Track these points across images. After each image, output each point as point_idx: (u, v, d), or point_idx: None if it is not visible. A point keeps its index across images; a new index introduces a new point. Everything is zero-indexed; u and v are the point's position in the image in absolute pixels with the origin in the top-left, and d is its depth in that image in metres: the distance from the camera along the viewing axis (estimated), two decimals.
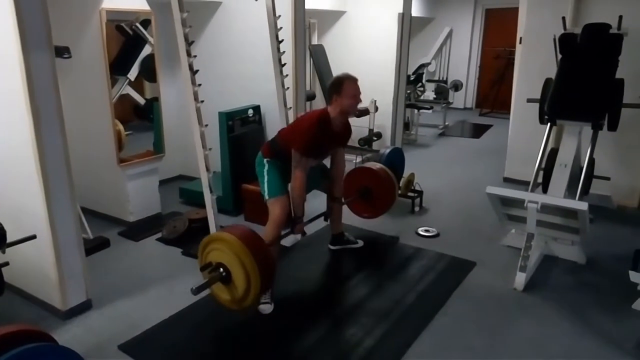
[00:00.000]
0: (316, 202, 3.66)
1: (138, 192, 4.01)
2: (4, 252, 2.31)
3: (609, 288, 3.06)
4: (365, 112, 5.80)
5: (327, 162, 3.28)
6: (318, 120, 2.85)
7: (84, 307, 2.79)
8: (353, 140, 5.86)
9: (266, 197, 2.90)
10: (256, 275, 2.34)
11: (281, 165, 2.91)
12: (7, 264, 2.36)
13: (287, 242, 3.55)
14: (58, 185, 2.56)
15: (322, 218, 3.36)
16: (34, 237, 2.44)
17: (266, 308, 2.77)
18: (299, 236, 3.67)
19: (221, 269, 2.44)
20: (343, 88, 2.84)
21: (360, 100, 2.95)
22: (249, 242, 2.38)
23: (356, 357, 2.39)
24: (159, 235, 3.80)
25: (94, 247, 3.49)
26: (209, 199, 2.99)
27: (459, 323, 2.70)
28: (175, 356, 2.44)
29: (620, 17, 3.60)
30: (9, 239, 2.33)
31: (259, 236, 2.51)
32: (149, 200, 4.13)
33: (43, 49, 2.40)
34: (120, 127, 3.85)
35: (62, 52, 3.07)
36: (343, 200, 3.46)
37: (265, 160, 2.97)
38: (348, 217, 3.74)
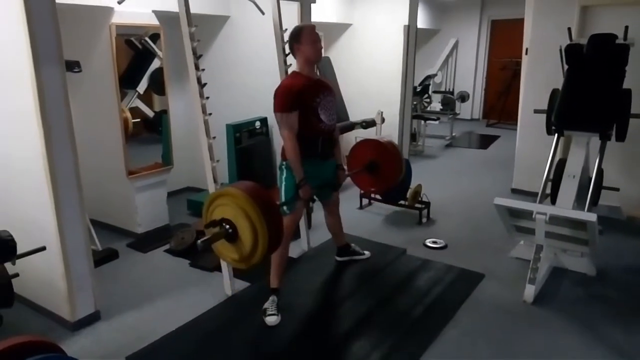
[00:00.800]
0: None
1: (146, 204, 4.04)
2: (14, 264, 2.33)
3: (620, 300, 3.03)
4: (371, 123, 5.81)
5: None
6: (286, 77, 2.86)
7: (93, 319, 2.80)
8: None
9: (285, 211, 2.83)
10: (263, 228, 2.18)
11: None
12: (17, 275, 2.38)
13: (294, 253, 3.55)
14: (68, 198, 2.59)
15: (323, 218, 3.31)
16: (43, 248, 2.46)
17: (273, 320, 2.75)
18: (305, 247, 3.70)
19: (227, 225, 2.26)
20: (302, 35, 2.80)
21: (321, 47, 2.88)
22: (254, 195, 2.22)
23: None
24: (167, 246, 3.81)
25: (102, 258, 3.51)
26: None
27: (468, 336, 2.67)
28: None
29: (627, 27, 3.61)
30: (19, 251, 2.35)
31: (265, 190, 2.35)
32: (157, 212, 4.16)
33: (54, 63, 2.44)
34: (128, 114, 3.88)
35: (72, 66, 3.12)
36: (347, 171, 3.36)
37: (283, 164, 2.91)
38: (355, 228, 3.73)
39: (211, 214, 2.37)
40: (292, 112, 2.72)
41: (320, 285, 3.30)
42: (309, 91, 2.81)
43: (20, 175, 2.71)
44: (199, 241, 2.22)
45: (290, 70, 3.15)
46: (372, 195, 4.72)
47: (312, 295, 3.15)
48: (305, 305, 3.02)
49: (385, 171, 3.50)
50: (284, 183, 2.89)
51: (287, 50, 3.61)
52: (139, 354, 2.50)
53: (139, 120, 4.03)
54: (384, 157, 3.50)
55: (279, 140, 3.88)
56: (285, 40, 3.60)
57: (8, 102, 2.62)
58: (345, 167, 3.38)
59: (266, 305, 2.81)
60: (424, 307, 2.94)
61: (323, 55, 6.36)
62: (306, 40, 2.80)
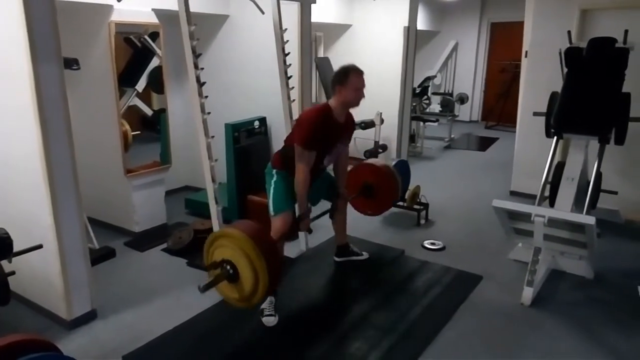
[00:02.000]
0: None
1: (144, 203, 4.03)
2: (10, 262, 2.32)
3: (618, 303, 3.02)
4: (370, 124, 5.81)
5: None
6: (319, 112, 2.82)
7: (89, 317, 2.79)
8: (359, 152, 5.95)
9: (271, 212, 2.86)
10: (264, 270, 2.24)
11: (290, 179, 2.85)
12: (13, 273, 2.37)
13: (292, 253, 3.54)
14: (65, 196, 2.57)
15: (328, 216, 3.32)
16: (40, 246, 2.45)
17: (270, 320, 2.75)
18: (304, 247, 3.69)
19: (228, 266, 2.33)
20: (348, 79, 2.79)
21: (363, 95, 2.88)
22: (255, 236, 2.29)
23: None
24: (165, 245, 3.80)
25: (99, 257, 3.50)
26: (214, 209, 2.99)
27: (466, 338, 2.67)
28: None
29: (626, 31, 3.61)
30: (16, 248, 2.34)
31: (266, 230, 2.43)
32: (154, 211, 4.14)
33: (52, 60, 2.43)
34: (127, 127, 3.87)
35: (71, 63, 3.11)
36: (347, 197, 3.41)
37: (274, 170, 2.93)
38: (354, 229, 3.73)
39: (212, 254, 2.42)
40: (312, 151, 2.77)
41: (318, 286, 3.30)
42: (329, 139, 2.89)
43: (17, 173, 2.69)
44: (200, 285, 2.29)
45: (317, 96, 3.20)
46: None
47: (309, 296, 3.15)
48: (302, 306, 3.02)
49: (381, 195, 3.63)
50: (272, 187, 2.91)
51: (287, 50, 3.63)
52: (135, 353, 2.49)
53: (139, 132, 4.04)
54: (379, 181, 3.61)
55: (277, 139, 3.89)
56: (285, 40, 3.60)
57: (5, 99, 2.61)
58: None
59: (264, 305, 2.80)
60: (422, 309, 2.94)
61: (323, 55, 6.38)
62: (351, 86, 2.80)
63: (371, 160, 3.81)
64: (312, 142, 2.75)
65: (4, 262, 2.31)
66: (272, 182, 2.92)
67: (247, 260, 2.26)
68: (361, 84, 2.83)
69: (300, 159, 2.75)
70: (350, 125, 3.08)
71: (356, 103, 2.88)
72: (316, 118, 2.78)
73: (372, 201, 3.69)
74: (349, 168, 3.47)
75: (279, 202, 2.87)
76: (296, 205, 2.90)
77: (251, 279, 2.29)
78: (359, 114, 5.92)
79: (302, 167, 2.75)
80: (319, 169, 2.95)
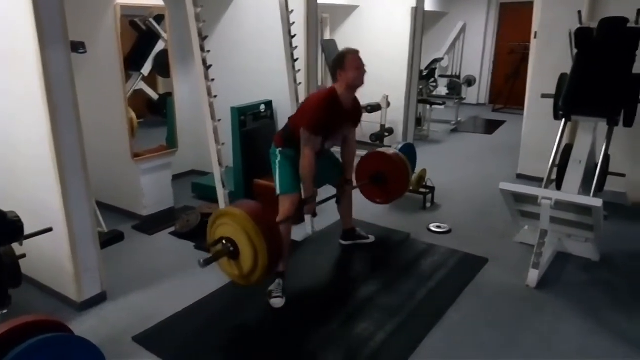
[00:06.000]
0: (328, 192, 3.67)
1: (151, 187, 4.05)
2: (21, 245, 2.35)
3: (624, 286, 3.03)
4: (377, 107, 5.78)
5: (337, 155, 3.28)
6: (326, 96, 2.83)
7: (99, 299, 2.84)
8: (365, 136, 5.93)
9: (278, 191, 2.90)
10: (263, 250, 2.28)
11: (294, 155, 2.87)
12: (24, 256, 2.41)
13: (298, 236, 3.57)
14: (74, 180, 2.60)
15: (334, 200, 3.34)
16: (50, 229, 2.48)
17: (278, 302, 2.79)
18: (310, 230, 3.71)
19: (229, 244, 2.38)
20: (346, 61, 2.80)
21: (365, 72, 2.88)
22: (256, 216, 2.31)
23: (368, 351, 2.40)
24: (172, 229, 3.83)
25: (108, 240, 3.54)
26: (221, 193, 3.01)
27: (471, 319, 2.69)
28: (188, 348, 2.48)
29: (639, 10, 3.54)
30: (26, 232, 2.37)
31: (268, 211, 2.45)
32: (162, 195, 4.17)
33: (59, 44, 2.43)
34: (133, 115, 3.88)
35: (77, 47, 3.11)
36: (355, 183, 3.43)
37: (277, 150, 2.94)
38: (360, 212, 3.74)
39: (215, 231, 2.47)
40: (318, 136, 2.79)
41: (325, 268, 3.32)
42: (335, 124, 2.90)
43: (26, 157, 2.72)
44: (201, 260, 2.34)
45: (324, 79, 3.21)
46: None
47: (316, 278, 3.18)
48: (309, 288, 3.05)
49: (391, 183, 3.60)
50: (278, 168, 2.93)
51: (294, 33, 3.60)
52: (145, 334, 2.54)
53: (142, 120, 4.06)
54: (390, 169, 3.58)
55: (283, 123, 3.88)
56: (291, 22, 3.57)
57: (14, 84, 2.62)
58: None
59: (271, 287, 2.83)
60: (428, 291, 2.96)
61: (329, 37, 6.32)
62: (350, 67, 2.80)
63: (383, 149, 3.79)
64: (318, 127, 2.76)
65: (15, 245, 2.35)
66: (277, 162, 2.94)
67: (247, 239, 2.29)
68: (360, 63, 2.83)
69: (306, 143, 2.76)
70: (356, 110, 3.08)
71: (360, 82, 2.87)
72: (324, 102, 2.79)
73: (381, 190, 3.66)
74: (357, 158, 3.48)
75: (285, 184, 2.89)
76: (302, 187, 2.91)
77: (251, 257, 2.32)
78: (365, 97, 5.92)
79: (308, 151, 2.76)
80: (321, 152, 2.96)
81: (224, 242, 2.40)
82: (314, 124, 2.75)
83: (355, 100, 3.03)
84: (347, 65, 2.79)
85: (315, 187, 2.95)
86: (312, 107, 2.80)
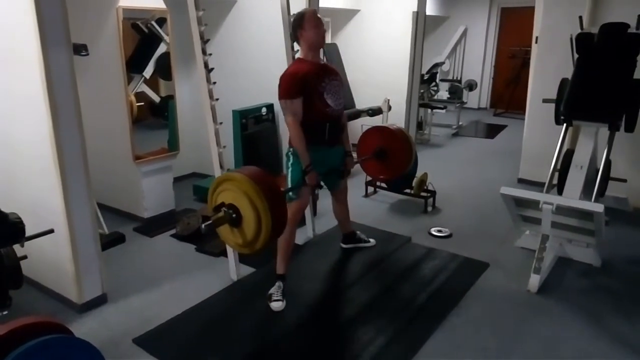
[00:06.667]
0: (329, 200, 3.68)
1: (153, 189, 4.06)
2: (22, 246, 2.35)
3: (625, 291, 3.03)
4: (378, 111, 5.78)
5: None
6: (290, 65, 2.85)
7: (100, 301, 2.83)
8: None
9: (288, 197, 2.81)
10: (266, 213, 2.18)
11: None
12: (25, 257, 2.40)
13: (299, 239, 3.56)
14: (75, 181, 2.60)
15: (331, 203, 3.32)
16: (51, 231, 2.48)
17: (278, 305, 2.78)
18: (311, 234, 3.71)
19: (231, 210, 2.27)
20: (304, 21, 2.78)
21: (324, 30, 2.86)
22: (258, 180, 2.22)
23: (368, 356, 2.39)
24: (173, 231, 3.83)
25: (109, 242, 3.54)
26: None
27: (472, 324, 2.69)
28: (189, 350, 2.47)
29: (639, 16, 3.55)
30: (28, 233, 2.37)
31: (270, 175, 2.36)
32: (163, 197, 4.17)
33: (62, 46, 2.44)
34: (132, 98, 3.88)
35: (80, 49, 3.11)
36: (356, 158, 3.38)
37: (290, 150, 2.91)
38: (361, 216, 3.74)
39: (216, 198, 2.37)
40: (296, 99, 2.72)
41: (326, 271, 3.32)
42: (314, 76, 2.79)
43: (27, 159, 2.72)
44: (202, 225, 2.23)
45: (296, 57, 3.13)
46: (378, 184, 4.72)
47: (317, 281, 3.17)
48: (310, 292, 3.04)
49: (394, 159, 3.48)
50: (290, 169, 2.90)
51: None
52: (145, 336, 2.54)
53: (142, 104, 4.03)
54: (393, 144, 3.46)
55: (285, 126, 3.88)
56: None
57: (16, 85, 2.63)
58: (355, 154, 3.37)
59: (272, 290, 2.83)
60: (428, 295, 2.95)
61: (330, 41, 6.33)
62: (309, 25, 2.78)
63: (385, 124, 3.70)
64: (290, 90, 2.72)
65: (17, 247, 2.34)
66: (290, 164, 2.91)
67: (249, 203, 2.19)
68: (318, 21, 2.81)
69: (286, 112, 2.74)
70: (330, 68, 3.02)
71: (320, 41, 2.85)
72: (289, 69, 2.84)
73: (385, 165, 3.53)
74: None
75: (295, 187, 2.86)
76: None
77: (254, 222, 2.21)
78: (366, 100, 5.94)
79: (290, 119, 2.74)
80: (332, 117, 2.87)
81: (225, 208, 2.28)
82: (285, 88, 2.73)
83: (327, 64, 3.01)
84: (306, 24, 2.78)
85: (320, 177, 2.91)
86: (281, 78, 2.79)
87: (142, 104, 4.02)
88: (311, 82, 2.77)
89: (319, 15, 2.83)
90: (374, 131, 3.58)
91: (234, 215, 2.26)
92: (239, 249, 2.41)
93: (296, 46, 3.60)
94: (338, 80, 2.96)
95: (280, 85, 2.77)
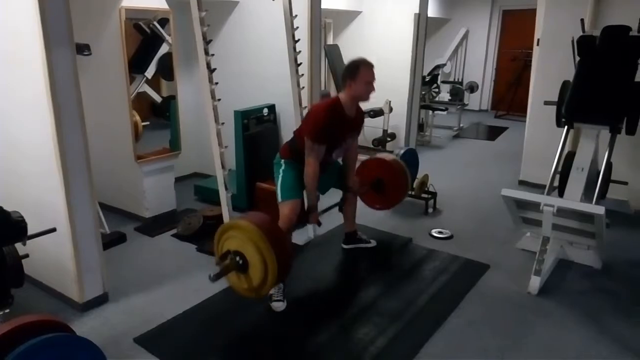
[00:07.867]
0: (331, 199, 3.68)
1: (154, 189, 4.06)
2: (24, 244, 2.36)
3: (625, 294, 3.03)
4: (379, 112, 5.79)
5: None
6: (329, 106, 2.83)
7: (101, 300, 2.84)
8: (367, 141, 5.94)
9: (279, 199, 2.89)
10: (273, 261, 2.27)
11: (299, 167, 2.88)
12: (27, 256, 2.41)
13: (300, 240, 3.56)
14: (77, 181, 2.61)
15: (337, 208, 3.36)
16: (54, 229, 2.49)
17: (279, 306, 2.78)
18: (312, 234, 3.72)
19: (237, 257, 2.36)
20: (359, 73, 2.78)
21: (373, 89, 2.87)
22: (266, 229, 2.31)
23: (368, 356, 2.40)
24: (174, 231, 3.84)
25: (111, 241, 3.55)
26: (224, 196, 3.02)
27: (473, 325, 2.69)
28: (190, 350, 2.47)
29: None
30: (30, 232, 2.38)
31: (276, 223, 2.46)
32: (164, 197, 4.18)
33: (65, 45, 2.45)
34: (138, 118, 3.90)
35: (82, 49, 3.13)
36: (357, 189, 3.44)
37: (282, 160, 2.96)
38: (361, 217, 3.74)
39: (223, 245, 2.44)
40: (322, 145, 2.79)
41: (326, 272, 3.32)
42: (340, 133, 2.91)
43: (30, 159, 2.73)
44: (210, 274, 2.32)
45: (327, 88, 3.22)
46: None
47: (317, 282, 3.17)
48: (310, 292, 3.05)
49: (391, 189, 3.64)
50: (281, 175, 2.94)
51: (297, 37, 3.62)
52: (146, 336, 2.54)
53: (148, 123, 4.07)
54: (390, 176, 3.61)
55: (286, 127, 3.89)
56: (295, 27, 3.59)
57: (18, 85, 2.64)
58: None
59: (272, 291, 2.82)
60: (429, 296, 2.95)
61: (332, 42, 6.35)
62: (362, 80, 2.80)
63: (382, 155, 3.80)
64: (321, 136, 2.77)
65: (18, 245, 2.35)
66: (281, 170, 2.95)
67: (256, 252, 2.28)
68: (372, 77, 2.83)
69: (310, 152, 2.77)
70: (359, 118, 3.10)
71: (366, 97, 2.89)
72: (326, 112, 2.80)
73: (381, 196, 3.69)
74: (359, 162, 3.50)
75: (286, 189, 2.89)
76: (305, 196, 2.92)
77: (260, 270, 2.31)
78: (367, 102, 5.93)
79: (312, 160, 2.78)
80: (327, 162, 2.97)
81: (231, 255, 2.38)
82: (318, 132, 2.76)
83: (358, 108, 3.04)
84: (359, 77, 2.79)
85: (320, 193, 2.96)
86: (316, 116, 2.81)
87: (148, 123, 4.07)
88: (333, 137, 2.85)
89: (374, 71, 2.84)
90: (370, 163, 3.72)
91: (240, 262, 2.35)
92: (245, 293, 2.50)
93: (299, 46, 3.63)
94: (355, 136, 3.11)
95: (310, 121, 2.82)
